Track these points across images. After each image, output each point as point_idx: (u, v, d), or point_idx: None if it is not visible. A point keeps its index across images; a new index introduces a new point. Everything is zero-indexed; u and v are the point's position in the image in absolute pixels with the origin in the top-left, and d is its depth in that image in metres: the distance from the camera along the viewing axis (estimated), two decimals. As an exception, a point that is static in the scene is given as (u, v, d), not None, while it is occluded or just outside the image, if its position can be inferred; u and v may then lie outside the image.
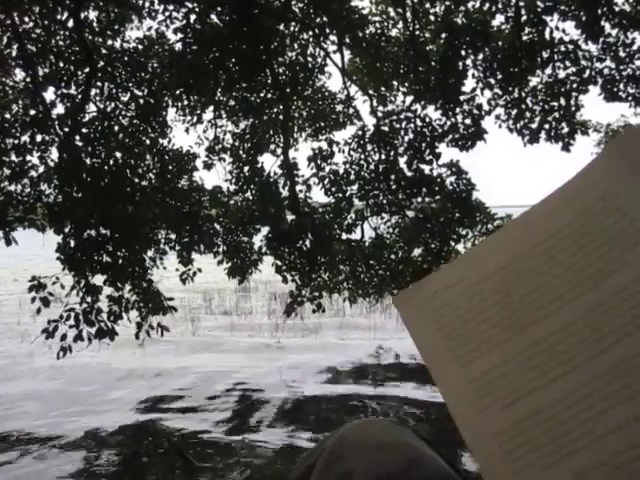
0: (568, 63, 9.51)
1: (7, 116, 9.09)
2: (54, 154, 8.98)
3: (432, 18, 9.81)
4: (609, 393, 0.57)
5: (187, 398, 11.36)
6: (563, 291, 0.62)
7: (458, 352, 0.64)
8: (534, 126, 9.82)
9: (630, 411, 0.56)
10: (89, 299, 8.55)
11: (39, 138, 8.85)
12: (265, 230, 9.87)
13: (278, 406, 10.81)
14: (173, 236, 9.31)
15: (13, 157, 8.90)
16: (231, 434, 9.53)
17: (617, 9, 9.15)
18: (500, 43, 9.57)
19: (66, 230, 8.58)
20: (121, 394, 11.60)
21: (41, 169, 8.96)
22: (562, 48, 9.47)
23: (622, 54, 9.37)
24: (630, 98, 9.47)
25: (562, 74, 9.62)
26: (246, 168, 10.06)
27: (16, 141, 8.88)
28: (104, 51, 9.21)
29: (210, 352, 14.90)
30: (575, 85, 9.58)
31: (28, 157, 8.90)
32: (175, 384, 12.18)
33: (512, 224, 0.71)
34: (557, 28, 9.35)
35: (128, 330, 8.93)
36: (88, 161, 8.79)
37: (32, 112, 8.93)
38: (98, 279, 8.77)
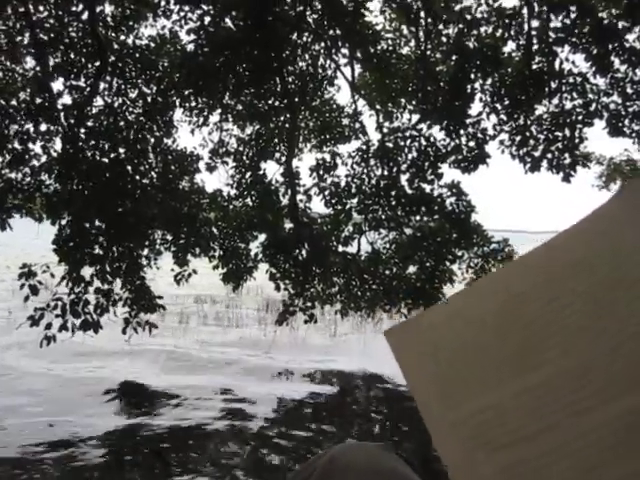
0: (575, 95, 9.57)
1: (13, 103, 9.08)
2: (57, 145, 8.99)
3: (444, 39, 9.85)
4: (601, 449, 0.56)
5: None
6: (565, 336, 0.61)
7: (448, 392, 0.63)
8: (537, 154, 9.86)
9: (617, 474, 0.55)
10: (77, 290, 8.52)
11: (43, 127, 8.87)
12: (262, 237, 9.86)
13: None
14: (170, 237, 9.28)
15: (16, 144, 8.90)
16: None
17: (627, 45, 9.22)
18: (509, 70, 9.63)
19: (63, 222, 8.57)
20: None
21: (43, 159, 8.97)
22: (570, 80, 9.53)
23: (629, 90, 9.43)
24: (634, 134, 9.52)
25: (569, 105, 9.68)
26: (248, 174, 10.06)
27: (20, 128, 8.89)
28: (116, 46, 9.22)
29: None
30: (580, 117, 9.63)
31: (31, 145, 8.91)
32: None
33: (511, 265, 0.70)
34: (567, 59, 9.43)
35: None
36: (91, 154, 8.78)
37: (38, 101, 8.93)
38: (89, 271, 8.74)
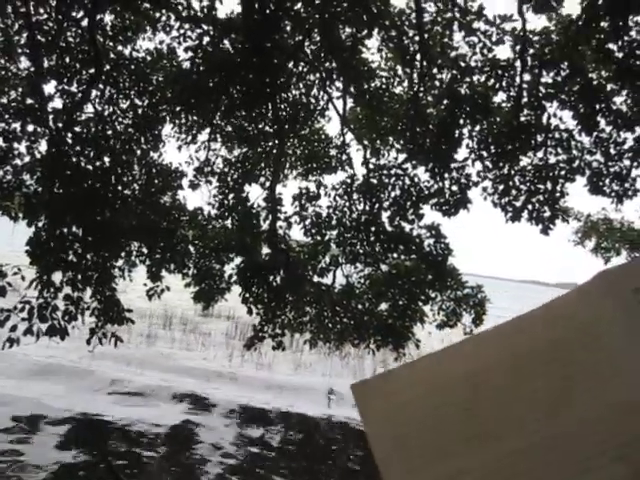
0: (560, 150, 9.75)
1: (3, 101, 9.03)
2: (42, 146, 8.92)
3: (437, 83, 10.01)
4: None
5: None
6: (527, 412, 0.61)
7: (409, 456, 0.63)
8: (518, 204, 9.99)
9: None
10: (47, 295, 8.39)
11: (30, 128, 8.80)
12: (238, 260, 9.82)
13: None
14: (145, 250, 9.20)
15: (0, 142, 8.82)
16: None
17: (614, 107, 9.45)
18: (498, 119, 9.79)
19: (39, 224, 8.46)
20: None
21: (27, 159, 8.88)
22: (556, 135, 9.71)
23: (612, 151, 9.63)
24: (613, 194, 9.70)
25: (552, 159, 9.85)
26: (231, 195, 10.06)
27: (7, 127, 8.82)
28: (112, 55, 9.25)
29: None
30: (563, 172, 9.80)
31: (15, 145, 8.83)
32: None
33: (484, 334, 0.70)
34: (555, 115, 9.62)
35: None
36: (75, 160, 8.72)
37: (28, 101, 8.88)
38: (59, 277, 8.62)
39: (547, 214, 9.85)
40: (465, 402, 0.63)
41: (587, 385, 0.61)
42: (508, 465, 0.59)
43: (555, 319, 0.66)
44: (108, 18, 9.50)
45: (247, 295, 9.58)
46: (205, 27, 9.21)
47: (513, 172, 10.06)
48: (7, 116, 8.79)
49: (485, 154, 9.93)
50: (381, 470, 0.63)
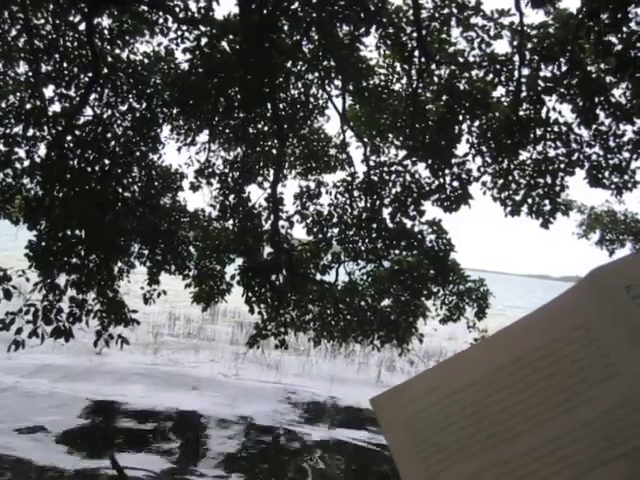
0: (559, 144, 9.71)
1: (3, 105, 9.07)
2: (41, 150, 8.96)
3: (436, 79, 9.99)
4: None
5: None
6: (534, 413, 0.63)
7: (429, 461, 0.65)
8: (518, 198, 9.97)
9: None
10: (51, 297, 8.44)
11: (30, 132, 8.83)
12: (239, 261, 9.83)
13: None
14: (146, 251, 9.23)
15: (1, 146, 8.85)
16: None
17: (613, 100, 9.42)
18: (497, 114, 9.77)
19: (40, 227, 8.50)
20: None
21: (26, 163, 8.92)
22: (555, 128, 9.67)
23: (612, 143, 9.60)
24: (613, 187, 9.68)
25: (552, 153, 9.81)
26: (232, 196, 10.07)
27: (9, 131, 8.85)
28: (110, 59, 9.26)
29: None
30: (562, 166, 9.78)
31: (15, 149, 8.86)
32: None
33: (490, 340, 0.73)
34: (554, 109, 9.57)
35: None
36: (75, 163, 8.75)
37: (29, 106, 8.92)
38: (63, 279, 8.66)
39: (547, 207, 9.84)
40: (475, 406, 0.66)
41: (585, 386, 0.63)
42: (521, 465, 0.62)
43: (552, 319, 0.68)
44: (106, 22, 9.53)
45: (250, 295, 9.61)
46: (203, 28, 9.21)
47: (512, 166, 10.03)
48: (7, 120, 8.82)
49: (485, 149, 9.91)
50: (402, 478, 0.66)
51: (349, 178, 10.21)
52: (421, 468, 0.65)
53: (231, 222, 9.96)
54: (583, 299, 0.68)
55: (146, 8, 9.20)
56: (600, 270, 0.70)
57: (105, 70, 8.99)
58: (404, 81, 10.41)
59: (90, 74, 8.87)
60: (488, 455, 0.63)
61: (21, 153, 8.88)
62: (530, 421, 0.63)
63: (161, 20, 9.32)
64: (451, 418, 0.66)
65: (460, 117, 9.70)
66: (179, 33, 9.23)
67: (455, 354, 0.78)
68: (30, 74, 9.03)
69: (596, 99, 9.38)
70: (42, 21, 9.12)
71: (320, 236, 9.98)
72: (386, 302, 10.32)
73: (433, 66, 9.82)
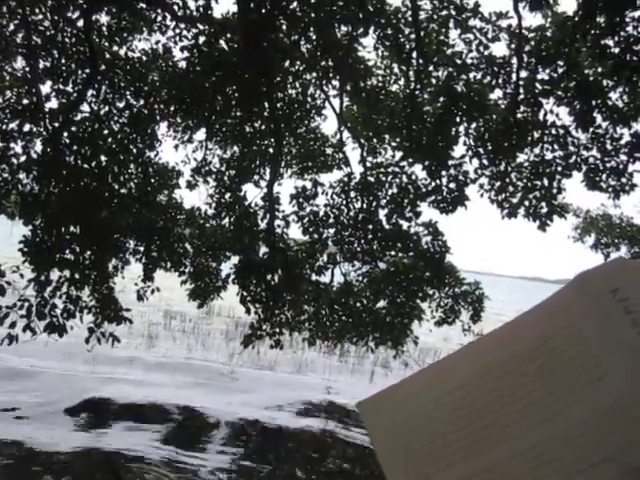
0: (556, 146, 9.73)
1: (-1, 101, 9.06)
2: (37, 145, 8.94)
3: (433, 81, 10.00)
4: None
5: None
6: (522, 416, 0.62)
7: (416, 465, 0.63)
8: (514, 201, 9.99)
9: None
10: (46, 293, 8.41)
11: (26, 127, 8.82)
12: (234, 259, 9.82)
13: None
14: (142, 248, 9.21)
15: (-3, 142, 8.84)
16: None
17: (610, 103, 9.45)
18: (495, 116, 9.79)
19: (36, 223, 8.48)
20: None
21: (22, 158, 8.90)
22: (553, 131, 9.69)
23: (609, 146, 9.61)
24: (610, 190, 9.69)
25: (549, 156, 9.83)
26: (228, 194, 10.06)
27: (5, 127, 8.84)
28: (108, 56, 9.26)
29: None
30: (560, 168, 9.79)
31: (12, 144, 8.85)
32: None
33: (481, 340, 0.71)
34: (551, 112, 9.59)
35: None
36: (72, 159, 8.73)
37: (25, 101, 8.91)
38: (57, 275, 8.64)
39: (544, 210, 9.84)
40: (464, 410, 0.64)
41: (574, 388, 0.62)
42: (511, 468, 0.60)
43: (542, 321, 0.67)
44: (104, 18, 9.54)
45: (245, 294, 9.59)
46: (201, 27, 9.22)
47: (510, 169, 10.05)
48: (3, 116, 8.81)
49: (482, 151, 9.92)
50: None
51: (346, 179, 10.22)
52: (408, 473, 0.63)
53: (227, 220, 9.95)
54: (570, 302, 0.67)
55: (144, 5, 9.21)
56: (586, 274, 0.69)
57: (103, 67, 8.99)
58: (402, 82, 10.44)
59: (88, 70, 8.87)
60: (477, 460, 0.61)
61: (17, 149, 8.89)
62: (518, 424, 0.62)
63: (159, 18, 9.34)
64: (439, 422, 0.64)
65: (457, 119, 9.72)
66: (177, 31, 9.25)
67: (442, 357, 0.77)
68: (27, 69, 9.01)
69: (593, 102, 9.40)
70: (40, 17, 9.12)
71: (316, 236, 9.98)
72: (381, 304, 10.31)
73: (431, 68, 9.85)
